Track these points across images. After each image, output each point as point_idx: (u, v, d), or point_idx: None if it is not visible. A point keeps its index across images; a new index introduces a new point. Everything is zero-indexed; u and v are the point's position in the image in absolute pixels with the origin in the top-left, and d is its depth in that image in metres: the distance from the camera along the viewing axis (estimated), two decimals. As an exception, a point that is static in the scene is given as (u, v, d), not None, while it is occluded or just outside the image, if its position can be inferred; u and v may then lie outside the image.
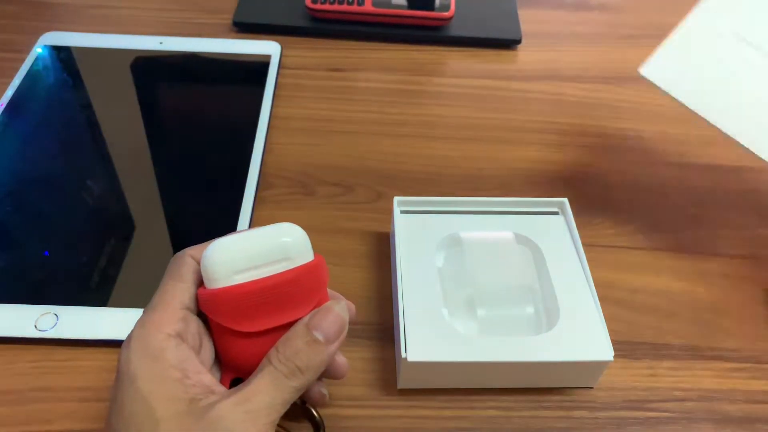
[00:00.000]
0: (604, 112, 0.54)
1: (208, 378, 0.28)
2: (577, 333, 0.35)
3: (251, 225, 0.43)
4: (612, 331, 0.36)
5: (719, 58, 0.35)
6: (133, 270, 0.40)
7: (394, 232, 0.40)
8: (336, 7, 0.57)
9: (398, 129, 0.51)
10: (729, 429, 0.36)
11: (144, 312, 0.29)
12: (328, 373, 0.32)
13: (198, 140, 0.49)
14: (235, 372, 0.30)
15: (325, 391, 0.33)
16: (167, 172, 0.46)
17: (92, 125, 0.49)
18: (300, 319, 0.29)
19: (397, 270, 0.38)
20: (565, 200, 0.41)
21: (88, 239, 0.42)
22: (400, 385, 0.36)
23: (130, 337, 0.28)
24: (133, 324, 0.28)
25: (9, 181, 0.45)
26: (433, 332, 0.35)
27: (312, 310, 0.30)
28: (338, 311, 0.30)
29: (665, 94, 0.34)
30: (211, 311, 0.29)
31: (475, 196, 0.46)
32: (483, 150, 0.50)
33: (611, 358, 0.35)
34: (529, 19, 0.61)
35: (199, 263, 0.30)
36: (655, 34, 0.61)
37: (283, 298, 0.29)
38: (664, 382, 0.38)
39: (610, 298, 0.41)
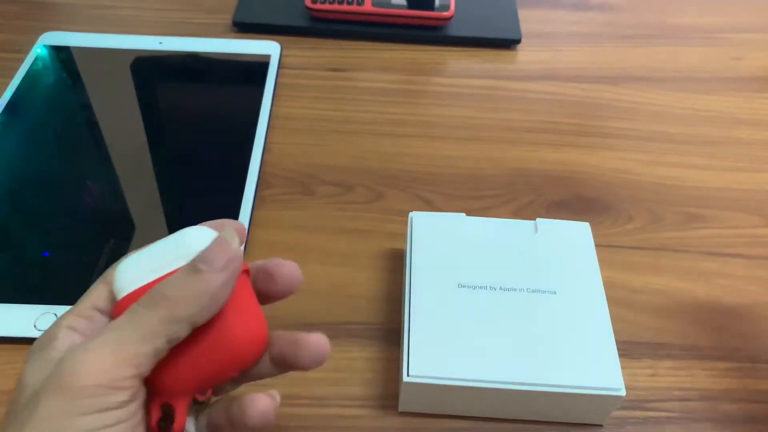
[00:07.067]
0: (604, 112, 0.54)
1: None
2: (589, 364, 0.34)
3: (251, 225, 0.43)
4: (613, 331, 0.36)
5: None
6: (133, 270, 0.40)
7: (410, 243, 0.38)
8: (336, 7, 0.57)
9: (398, 129, 0.51)
10: (729, 429, 0.36)
11: None
12: (293, 354, 0.27)
13: (198, 140, 0.49)
14: (159, 395, 0.26)
15: (274, 393, 0.28)
16: (167, 172, 0.46)
17: (92, 125, 0.49)
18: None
19: (407, 280, 0.37)
20: (587, 224, 0.40)
21: (88, 239, 0.42)
22: (401, 408, 0.35)
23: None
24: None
25: (9, 181, 0.45)
26: (439, 348, 0.34)
27: None
28: (222, 236, 0.26)
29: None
30: None
31: (475, 196, 0.47)
32: (483, 150, 0.50)
33: (622, 394, 0.33)
34: (528, 19, 0.61)
35: None
36: (655, 34, 0.62)
37: None
38: (664, 382, 0.38)
39: (610, 298, 0.40)
